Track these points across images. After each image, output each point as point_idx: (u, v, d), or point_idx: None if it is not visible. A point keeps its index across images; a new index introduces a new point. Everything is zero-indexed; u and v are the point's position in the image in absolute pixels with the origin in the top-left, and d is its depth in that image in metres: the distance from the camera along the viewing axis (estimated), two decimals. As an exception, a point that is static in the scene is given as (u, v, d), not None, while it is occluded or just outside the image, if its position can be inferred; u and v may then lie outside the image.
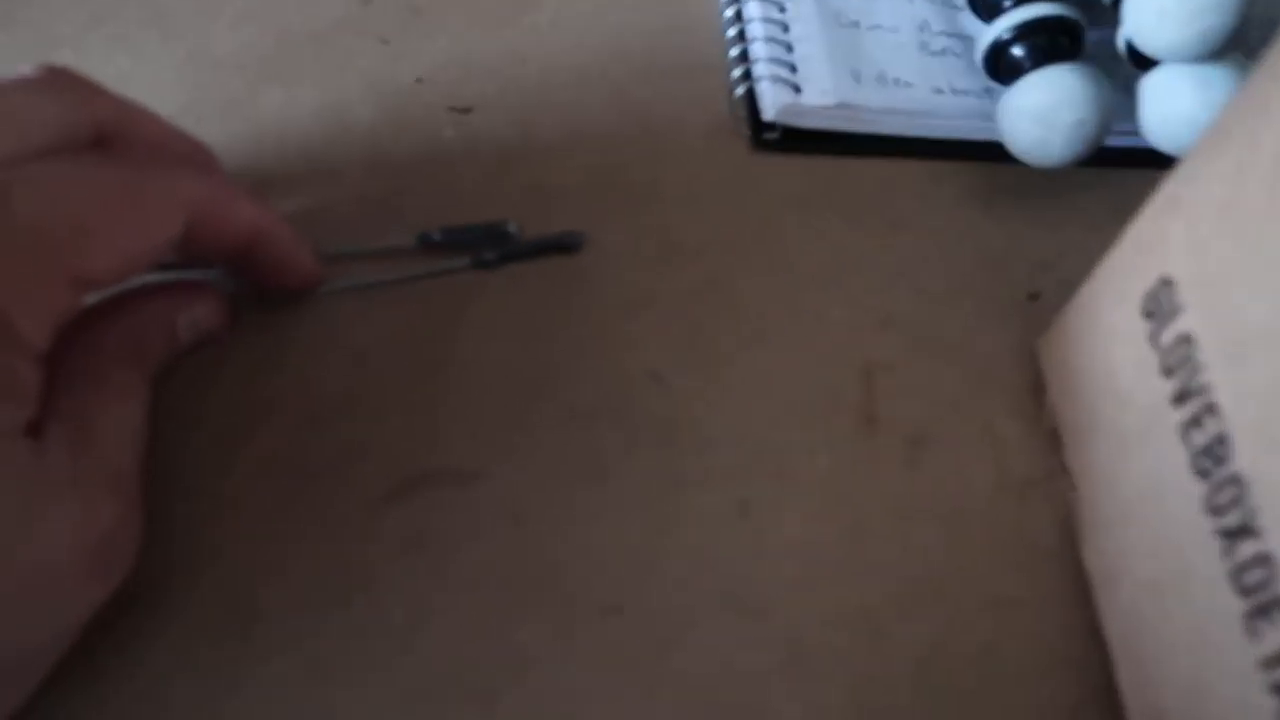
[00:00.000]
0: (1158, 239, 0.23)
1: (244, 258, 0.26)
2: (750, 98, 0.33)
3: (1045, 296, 0.30)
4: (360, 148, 0.32)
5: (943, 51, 0.34)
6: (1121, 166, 0.32)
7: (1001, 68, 0.31)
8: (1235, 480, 0.19)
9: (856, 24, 0.34)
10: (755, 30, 0.34)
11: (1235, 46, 0.27)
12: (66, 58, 0.26)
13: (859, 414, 0.28)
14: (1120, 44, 0.30)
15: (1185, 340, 0.21)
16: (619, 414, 0.28)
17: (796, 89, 0.32)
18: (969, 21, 0.34)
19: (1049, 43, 0.30)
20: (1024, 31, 0.30)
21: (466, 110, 0.33)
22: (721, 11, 0.35)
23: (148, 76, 0.33)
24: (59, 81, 0.23)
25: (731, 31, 0.35)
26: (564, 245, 0.30)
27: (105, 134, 0.24)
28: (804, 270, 0.31)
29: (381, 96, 0.33)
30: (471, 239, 0.30)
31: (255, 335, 0.28)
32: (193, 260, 0.26)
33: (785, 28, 0.34)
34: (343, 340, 0.28)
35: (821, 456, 0.27)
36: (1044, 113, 0.29)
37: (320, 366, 0.28)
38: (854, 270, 0.31)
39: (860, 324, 0.30)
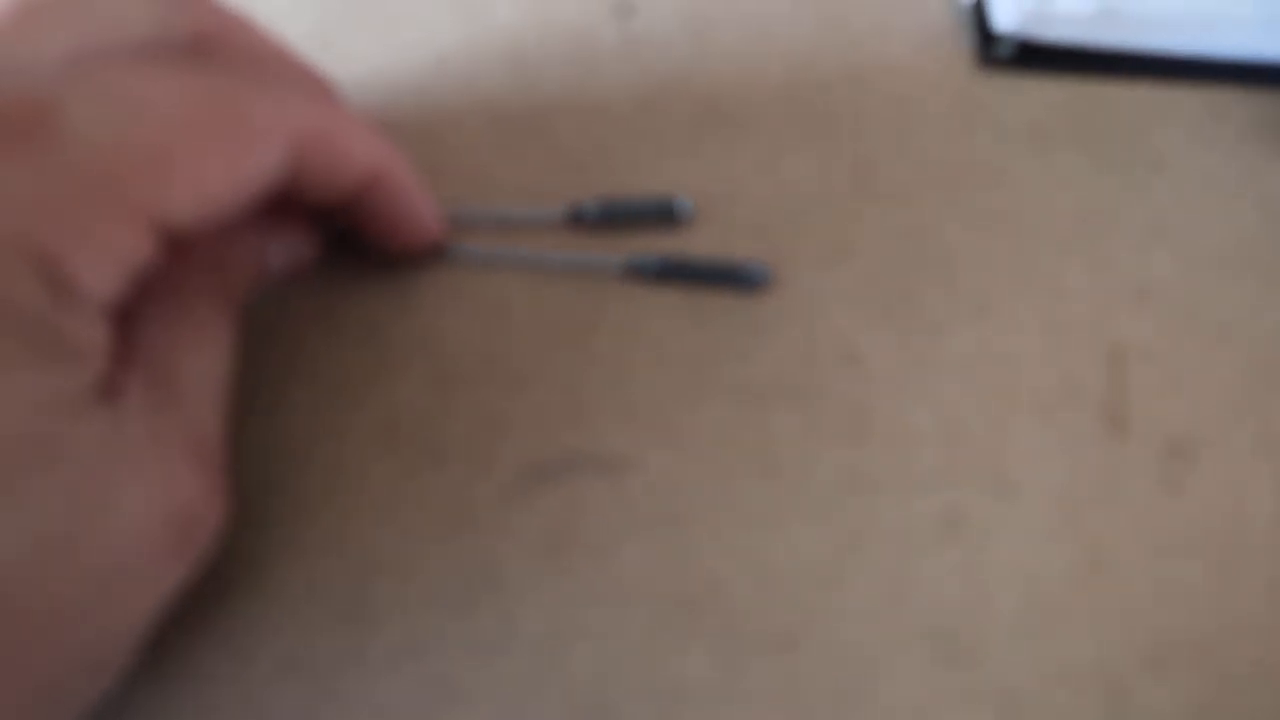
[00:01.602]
0: None
1: (357, 207, 0.22)
2: (979, 3, 0.26)
3: (1359, 270, 0.24)
4: (499, 55, 0.27)
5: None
6: None
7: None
8: None
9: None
10: (989, -87, 0.27)
11: None
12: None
13: (1104, 412, 0.22)
14: None
15: None
16: (800, 396, 0.23)
17: (1044, -8, 0.26)
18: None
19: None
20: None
21: (630, 10, 0.28)
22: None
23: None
24: None
25: (957, -85, 0.28)
26: (742, 279, 0.24)
27: (203, 46, 0.20)
28: (1038, 224, 0.25)
29: (530, -7, 0.28)
30: (633, 216, 0.25)
31: (376, 283, 0.24)
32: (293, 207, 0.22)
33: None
34: (479, 298, 0.24)
35: (1055, 465, 0.22)
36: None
37: (453, 324, 0.24)
38: (1102, 226, 0.25)
39: (1109, 295, 0.24)
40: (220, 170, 0.17)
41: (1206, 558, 0.21)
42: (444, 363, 0.23)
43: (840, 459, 0.22)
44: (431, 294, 0.24)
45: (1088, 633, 0.20)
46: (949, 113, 0.26)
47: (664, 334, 0.23)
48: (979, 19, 0.27)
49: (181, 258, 0.19)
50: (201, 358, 0.19)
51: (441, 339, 0.23)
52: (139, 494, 0.17)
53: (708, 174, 0.25)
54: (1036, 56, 0.26)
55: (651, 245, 0.24)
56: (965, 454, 0.22)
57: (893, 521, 0.21)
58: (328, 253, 0.24)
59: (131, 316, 0.19)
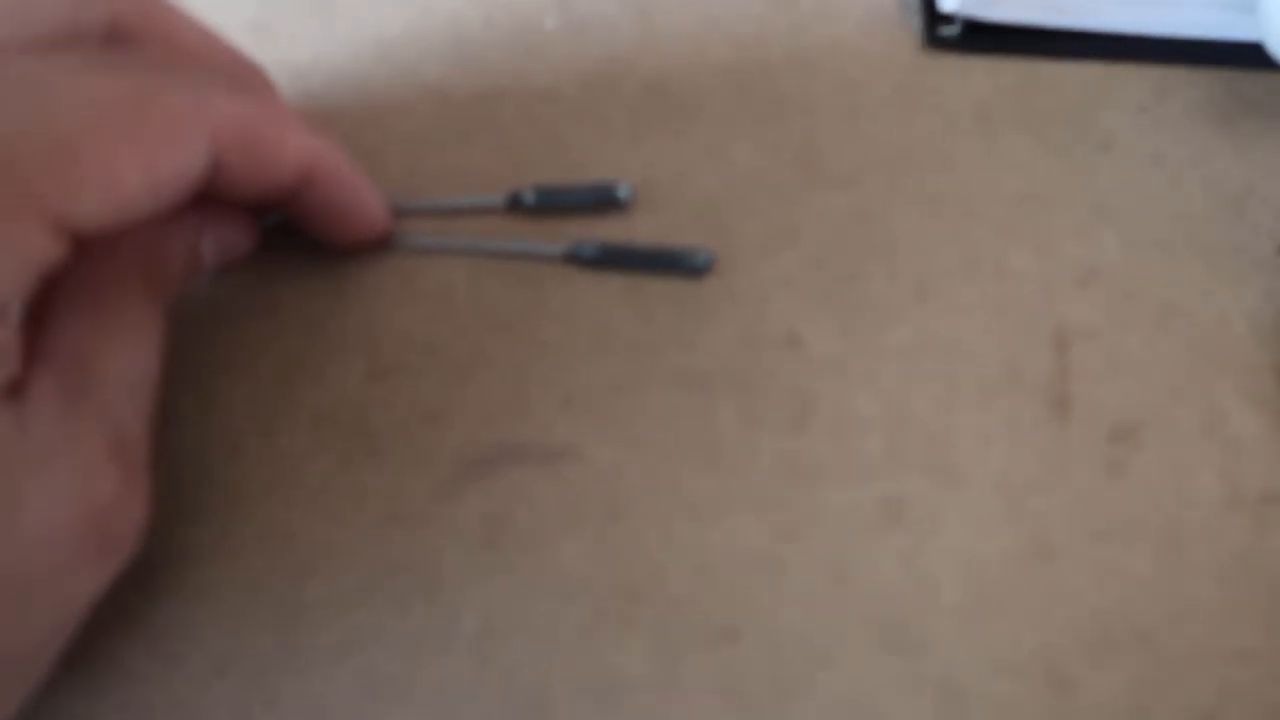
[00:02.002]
0: None
1: (295, 202, 0.21)
2: (926, -18, 0.26)
3: (1303, 250, 0.24)
4: (442, 41, 0.27)
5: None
6: None
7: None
8: None
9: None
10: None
11: None
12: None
13: (1048, 396, 0.22)
14: None
15: None
16: (742, 383, 0.22)
17: (990, -30, 0.25)
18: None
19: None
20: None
21: (573, -6, 0.27)
22: None
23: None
24: None
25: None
26: (684, 265, 0.23)
27: (122, 36, 0.19)
28: (983, 205, 0.24)
29: (473, -24, 0.28)
30: (572, 203, 0.24)
31: (313, 273, 0.24)
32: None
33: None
34: (420, 287, 0.23)
35: (998, 449, 0.22)
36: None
37: (393, 314, 0.23)
38: (1048, 208, 0.24)
39: (1054, 278, 0.24)
40: (133, 169, 0.17)
41: (1150, 542, 0.21)
42: (383, 353, 0.23)
43: (782, 447, 0.22)
44: (371, 283, 0.24)
45: (1031, 619, 0.20)
46: (895, 95, 0.26)
47: (607, 321, 0.23)
48: (925, 2, 0.26)
49: (106, 251, 0.19)
50: (124, 355, 0.19)
51: (381, 329, 0.23)
52: (49, 495, 0.16)
53: (652, 158, 0.25)
54: (983, 37, 0.26)
55: (595, 231, 0.24)
56: (908, 440, 0.22)
57: (835, 509, 0.21)
58: (265, 241, 0.23)
59: (49, 313, 0.18)
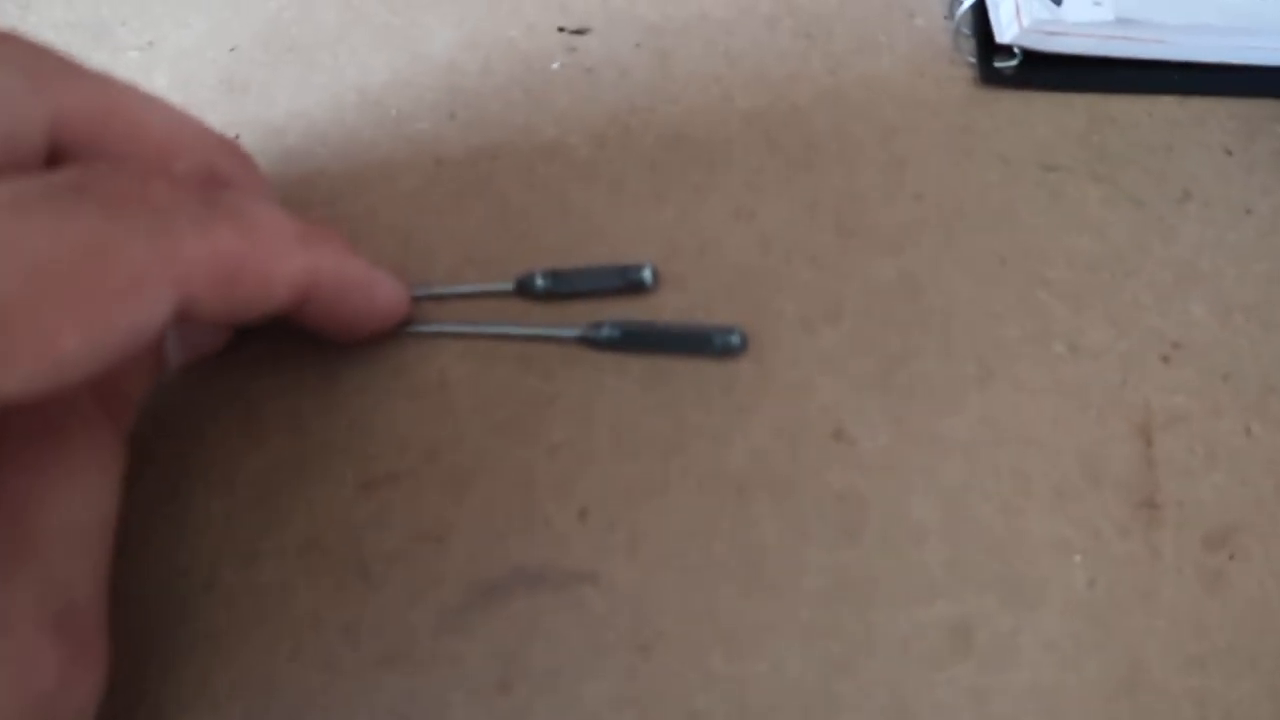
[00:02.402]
0: None
1: (298, 316, 0.18)
2: (980, 9, 0.23)
3: None
4: (435, 89, 0.24)
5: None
6: None
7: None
8: None
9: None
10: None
11: None
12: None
13: (1133, 495, 0.20)
14: None
15: None
16: (783, 486, 0.20)
17: (1053, -1, 0.22)
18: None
19: None
20: None
21: (581, 31, 0.24)
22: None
23: (169, 40, 0.26)
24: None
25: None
26: (713, 348, 0.21)
27: (69, 137, 0.16)
28: (1050, 269, 0.22)
29: (465, 11, 0.25)
30: (590, 286, 0.21)
31: (296, 365, 0.21)
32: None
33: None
34: (416, 381, 0.21)
35: (1077, 561, 0.19)
36: None
37: (386, 413, 0.21)
38: (1124, 269, 0.22)
39: (1134, 354, 0.21)
40: (74, 336, 0.14)
41: (1254, 670, 0.18)
42: (376, 461, 0.20)
43: (831, 561, 0.19)
44: (360, 377, 0.21)
45: (1121, 762, 0.18)
46: (946, 141, 0.23)
47: (626, 414, 0.20)
48: (978, 30, 0.23)
49: None
50: (74, 502, 0.16)
51: (373, 432, 0.20)
52: None
53: (673, 224, 0.22)
54: (1045, 71, 0.23)
55: (611, 309, 0.21)
56: (973, 552, 0.19)
57: (893, 636, 0.19)
58: (240, 329, 0.21)
59: None
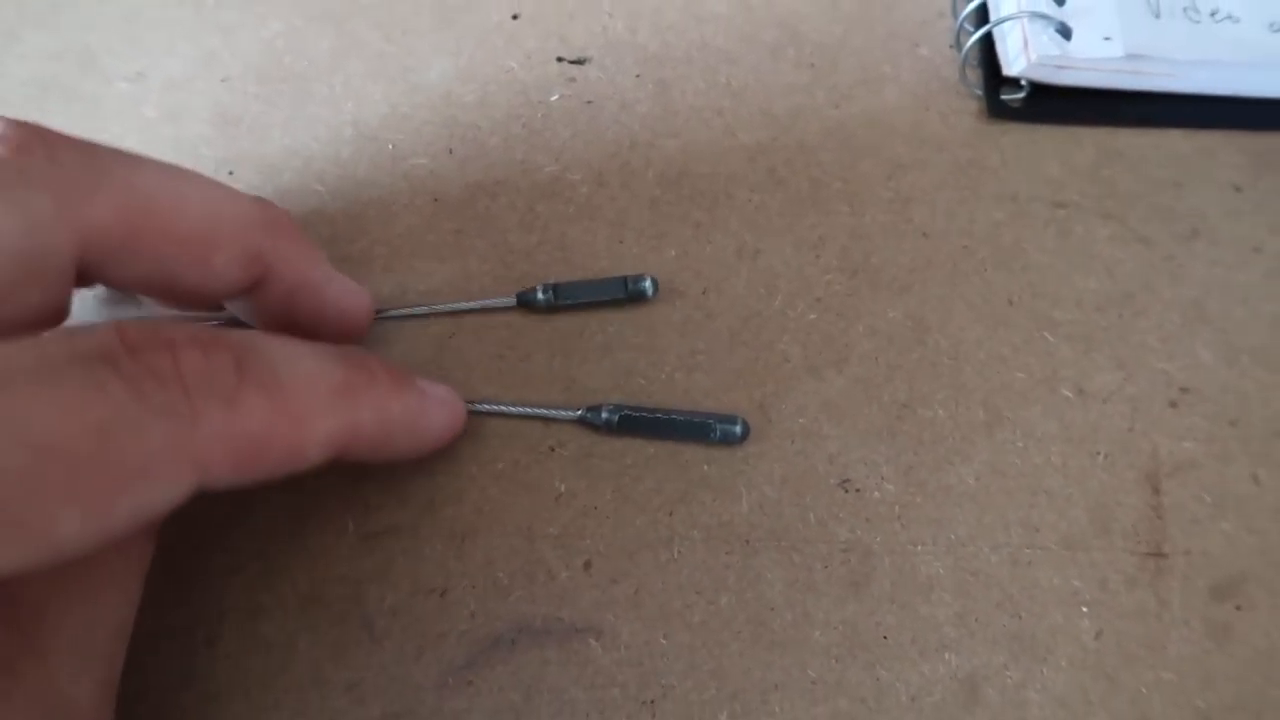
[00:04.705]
0: None
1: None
2: (987, 44, 0.23)
3: None
4: (432, 121, 0.23)
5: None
6: None
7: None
8: None
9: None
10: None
11: None
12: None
13: (1141, 545, 0.19)
14: None
15: None
16: (790, 538, 0.20)
17: (1064, 32, 0.22)
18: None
19: None
20: None
21: (580, 61, 0.24)
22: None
23: (180, 72, 0.25)
24: (19, 152, 0.15)
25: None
26: (714, 439, 0.20)
27: (99, 250, 0.16)
28: (1057, 308, 0.21)
29: (462, 40, 0.24)
30: (592, 298, 0.21)
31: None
32: None
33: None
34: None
35: (1086, 614, 0.19)
36: None
37: (386, 467, 0.20)
38: (1131, 310, 0.21)
39: (1142, 398, 0.21)
40: (73, 523, 0.13)
41: (1263, 722, 0.18)
42: (377, 514, 0.20)
43: (839, 616, 0.19)
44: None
45: (1128, 817, 0.18)
46: (953, 177, 0.22)
47: (630, 465, 0.20)
48: (985, 63, 0.23)
49: None
50: (88, 617, 0.16)
51: (374, 484, 0.20)
52: None
53: (675, 264, 0.22)
54: (1052, 104, 0.23)
55: (612, 320, 0.21)
56: (982, 604, 0.19)
57: (902, 691, 0.19)
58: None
59: None
